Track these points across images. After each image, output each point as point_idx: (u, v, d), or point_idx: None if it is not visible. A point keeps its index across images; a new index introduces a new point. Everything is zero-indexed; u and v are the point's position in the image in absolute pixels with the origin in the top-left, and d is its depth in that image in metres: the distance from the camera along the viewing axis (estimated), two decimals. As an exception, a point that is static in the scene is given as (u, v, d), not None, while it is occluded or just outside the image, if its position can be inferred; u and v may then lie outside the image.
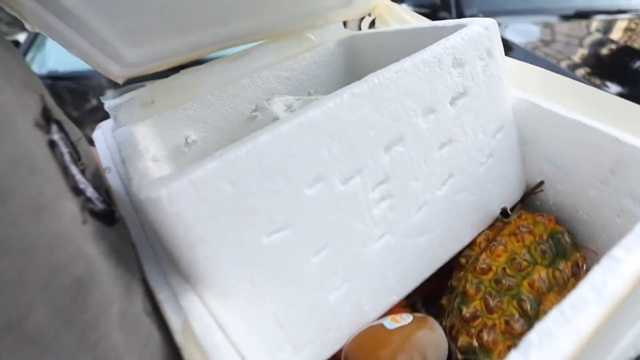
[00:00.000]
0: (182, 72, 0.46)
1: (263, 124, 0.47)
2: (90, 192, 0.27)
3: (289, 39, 0.49)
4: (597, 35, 1.42)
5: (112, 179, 0.39)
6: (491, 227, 0.40)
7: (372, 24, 0.54)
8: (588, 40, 1.41)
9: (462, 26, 0.35)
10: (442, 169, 0.34)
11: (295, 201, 0.27)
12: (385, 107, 0.30)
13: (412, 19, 0.49)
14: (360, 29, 0.55)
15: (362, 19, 0.54)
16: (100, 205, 0.27)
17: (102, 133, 0.46)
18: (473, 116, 0.35)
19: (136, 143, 0.34)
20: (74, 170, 0.26)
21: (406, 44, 0.43)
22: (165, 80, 0.45)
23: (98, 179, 0.33)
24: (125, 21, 0.39)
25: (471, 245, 0.38)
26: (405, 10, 0.49)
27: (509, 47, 1.29)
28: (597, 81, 1.20)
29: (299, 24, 0.50)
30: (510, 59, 0.40)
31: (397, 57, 0.45)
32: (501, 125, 0.37)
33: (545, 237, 0.36)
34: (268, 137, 0.25)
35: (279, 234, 0.27)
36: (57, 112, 0.29)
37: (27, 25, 0.36)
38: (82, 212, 0.23)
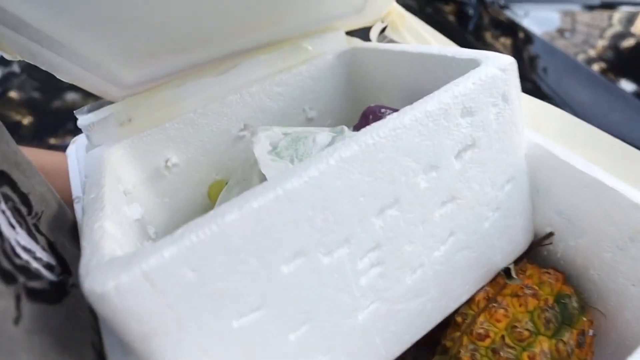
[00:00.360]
0: (164, 85, 0.42)
1: (251, 146, 0.43)
2: (37, 259, 0.24)
3: (282, 49, 0.44)
4: (618, 28, 1.34)
5: (81, 212, 0.35)
6: (492, 280, 0.36)
7: (382, 32, 0.49)
8: (609, 33, 1.34)
9: (475, 62, 0.31)
10: (442, 228, 0.30)
11: (270, 280, 0.24)
12: (380, 169, 0.26)
13: (425, 33, 0.44)
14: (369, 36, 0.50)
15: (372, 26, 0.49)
16: (48, 277, 0.24)
17: (75, 151, 0.42)
18: (481, 169, 0.31)
19: (103, 182, 0.31)
20: (16, 236, 0.23)
21: (411, 68, 0.39)
22: (144, 94, 0.41)
23: (58, 223, 0.30)
24: (118, 43, 0.35)
25: (469, 301, 0.35)
26: (419, 22, 0.44)
27: (529, 39, 1.22)
28: (612, 77, 1.14)
29: (299, 32, 0.45)
30: (528, 96, 0.35)
31: (400, 79, 0.41)
32: (512, 175, 0.33)
33: (550, 301, 0.33)
34: (236, 215, 0.22)
35: (251, 316, 0.24)
36: (5, 159, 0.26)
37: (5, 55, 0.32)
38: (17, 304, 0.20)
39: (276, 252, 0.24)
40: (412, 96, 0.40)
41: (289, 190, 0.23)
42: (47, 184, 0.31)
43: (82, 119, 0.38)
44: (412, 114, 0.26)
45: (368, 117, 0.40)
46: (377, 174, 0.26)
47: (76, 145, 0.42)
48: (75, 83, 0.37)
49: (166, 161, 0.41)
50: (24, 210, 0.25)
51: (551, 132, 0.34)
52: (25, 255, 0.23)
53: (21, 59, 0.33)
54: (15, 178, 0.26)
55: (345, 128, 0.34)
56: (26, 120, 1.25)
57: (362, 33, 0.50)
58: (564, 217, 0.35)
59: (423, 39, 0.44)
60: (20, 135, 1.21)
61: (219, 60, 0.43)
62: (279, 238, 0.23)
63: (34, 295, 0.21)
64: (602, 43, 1.31)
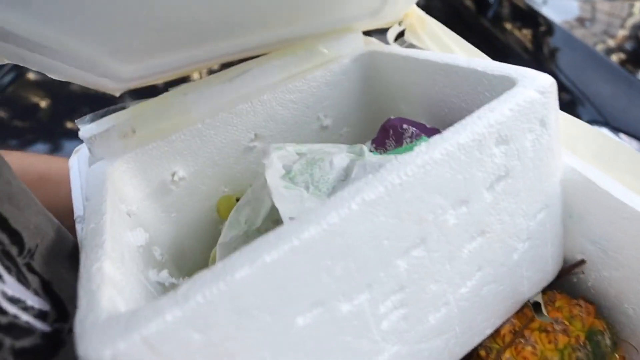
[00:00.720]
0: (170, 92, 0.39)
1: (262, 163, 0.41)
2: (27, 310, 0.22)
3: (296, 53, 0.41)
4: (639, 17, 1.28)
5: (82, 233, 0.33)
6: (518, 311, 0.34)
7: (401, 35, 0.46)
8: (629, 22, 1.28)
9: (509, 81, 0.28)
10: (470, 264, 0.28)
11: (284, 334, 0.22)
12: (406, 209, 0.23)
13: (446, 38, 0.40)
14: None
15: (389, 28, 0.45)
16: (40, 328, 0.22)
17: (77, 162, 0.40)
18: (513, 200, 0.28)
19: (104, 209, 0.28)
20: (3, 287, 0.21)
21: (435, 78, 0.36)
22: (148, 102, 0.38)
23: (56, 252, 0.28)
24: (113, 42, 0.33)
25: (493, 334, 0.33)
26: (439, 26, 0.41)
27: (549, 30, 1.16)
28: (631, 68, 1.09)
29: (312, 34, 0.42)
30: (565, 114, 0.32)
31: (422, 89, 0.38)
32: (545, 204, 0.30)
33: (582, 339, 0.31)
34: (247, 271, 0.19)
35: (262, 370, 0.22)
36: None
37: None
38: None
39: (291, 305, 0.21)
40: (435, 108, 0.38)
41: (305, 240, 0.20)
42: (44, 212, 0.28)
43: (84, 130, 0.36)
44: (442, 147, 0.23)
45: (388, 131, 0.37)
46: (403, 214, 0.23)
47: (78, 157, 0.40)
48: (70, 81, 0.35)
49: (172, 175, 0.39)
50: (14, 251, 0.23)
51: (588, 155, 0.31)
52: (12, 309, 0.21)
53: (10, 62, 0.31)
54: (7, 214, 0.24)
55: (365, 148, 0.31)
56: (44, 103, 1.23)
57: (378, 32, 0.47)
58: (598, 247, 0.32)
59: (445, 45, 0.41)
60: (38, 118, 1.20)
61: (226, 57, 0.41)
62: (295, 291, 0.21)
63: (24, 356, 0.20)
64: (622, 33, 1.25)
